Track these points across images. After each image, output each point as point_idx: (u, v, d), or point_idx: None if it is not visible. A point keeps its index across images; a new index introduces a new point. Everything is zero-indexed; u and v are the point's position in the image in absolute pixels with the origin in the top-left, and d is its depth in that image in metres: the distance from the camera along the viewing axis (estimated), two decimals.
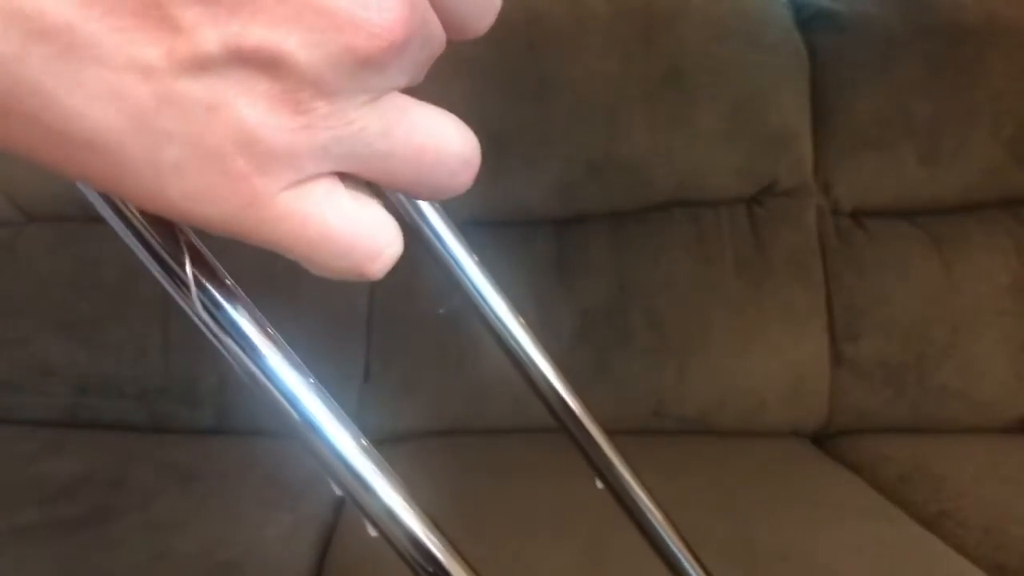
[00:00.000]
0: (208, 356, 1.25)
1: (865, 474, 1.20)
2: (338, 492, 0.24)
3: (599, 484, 0.42)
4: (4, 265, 1.27)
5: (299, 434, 0.23)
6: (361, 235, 0.19)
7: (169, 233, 0.21)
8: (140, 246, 0.21)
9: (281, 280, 1.23)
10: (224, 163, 0.17)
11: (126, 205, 0.21)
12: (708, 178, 1.34)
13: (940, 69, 1.34)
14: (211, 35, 0.16)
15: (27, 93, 0.15)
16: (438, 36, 0.19)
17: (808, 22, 1.39)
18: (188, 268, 0.21)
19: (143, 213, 0.21)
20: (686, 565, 0.43)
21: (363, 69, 0.17)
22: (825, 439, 1.33)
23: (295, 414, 0.22)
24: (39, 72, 0.15)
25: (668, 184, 1.33)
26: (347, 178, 0.19)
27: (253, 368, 0.22)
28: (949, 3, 1.37)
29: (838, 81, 1.36)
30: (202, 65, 0.16)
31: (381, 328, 1.28)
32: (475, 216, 1.27)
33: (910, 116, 1.34)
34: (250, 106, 0.17)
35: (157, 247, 0.21)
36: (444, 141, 0.20)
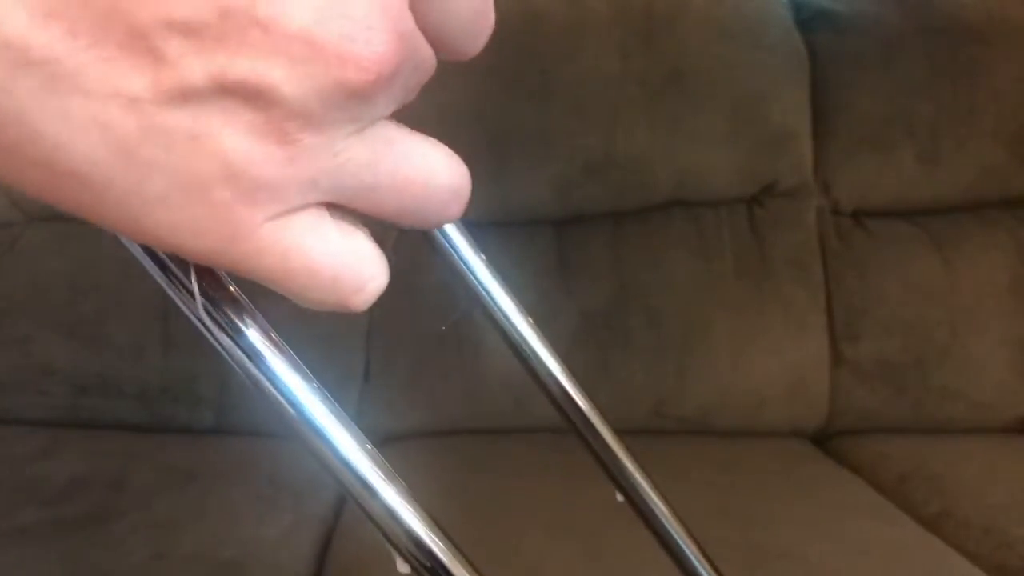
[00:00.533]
0: (208, 356, 1.25)
1: (865, 474, 1.20)
2: (353, 504, 0.24)
3: (619, 497, 0.42)
4: (4, 265, 1.27)
5: (304, 439, 0.23)
6: (345, 268, 0.19)
7: None
8: (142, 251, 0.21)
9: None
10: (208, 194, 0.17)
11: None
12: (708, 178, 1.34)
13: (940, 69, 1.34)
14: (196, 66, 0.16)
15: (11, 123, 0.15)
16: (428, 60, 0.19)
17: (808, 22, 1.39)
18: (192, 273, 0.21)
19: None
20: (699, 568, 0.43)
21: (351, 101, 0.17)
22: (825, 439, 1.33)
23: (299, 419, 0.22)
24: (24, 103, 0.15)
25: (668, 184, 1.33)
26: (333, 208, 0.19)
27: (257, 373, 0.22)
28: (949, 3, 1.37)
29: (838, 81, 1.36)
30: (187, 96, 0.16)
31: (381, 328, 1.28)
32: (475, 216, 1.26)
33: (910, 116, 1.34)
34: (235, 137, 0.17)
35: (161, 253, 0.21)
36: (433, 173, 0.20)
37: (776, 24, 1.37)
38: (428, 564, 0.24)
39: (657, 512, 0.41)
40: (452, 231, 0.34)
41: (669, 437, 1.27)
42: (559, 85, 1.28)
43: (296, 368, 0.22)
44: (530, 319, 0.37)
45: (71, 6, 0.15)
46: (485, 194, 1.29)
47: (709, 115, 1.32)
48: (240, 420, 1.25)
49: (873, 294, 1.33)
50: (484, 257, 0.34)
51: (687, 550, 0.42)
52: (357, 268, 0.19)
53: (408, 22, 0.18)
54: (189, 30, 0.15)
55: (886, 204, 1.38)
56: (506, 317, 0.36)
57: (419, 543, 0.24)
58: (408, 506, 0.24)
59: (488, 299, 0.35)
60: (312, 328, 1.21)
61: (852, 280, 1.34)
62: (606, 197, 1.32)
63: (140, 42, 0.15)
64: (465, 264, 0.34)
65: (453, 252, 0.34)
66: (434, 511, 0.25)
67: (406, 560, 0.24)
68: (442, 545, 0.24)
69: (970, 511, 1.08)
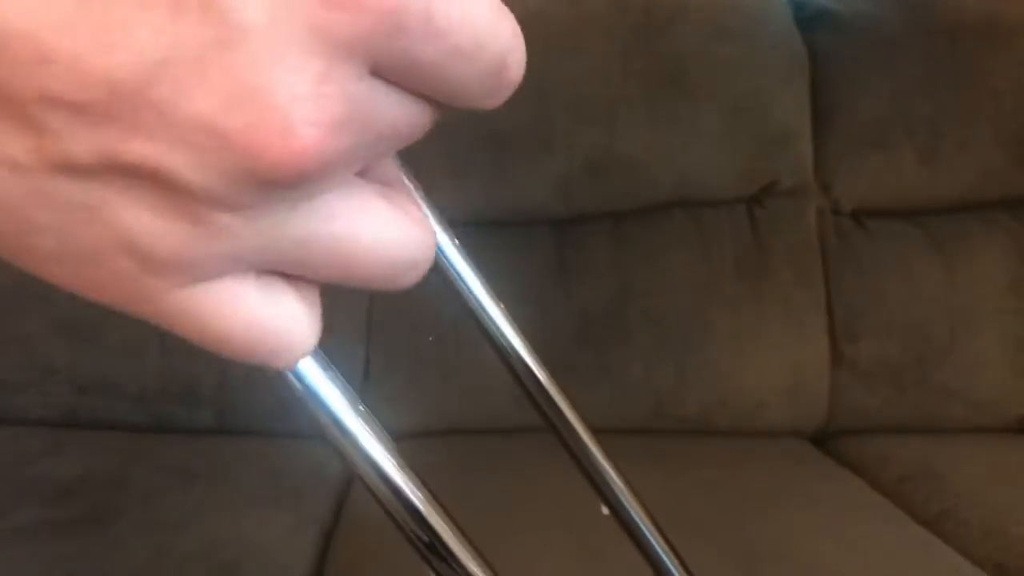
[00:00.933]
0: (208, 356, 1.25)
1: (865, 474, 1.20)
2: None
3: (604, 510, 0.42)
4: (4, 265, 1.27)
5: (326, 433, 0.22)
6: (268, 334, 0.18)
7: None
8: None
9: None
10: (107, 263, 0.16)
11: None
12: (708, 178, 1.34)
13: (940, 69, 1.34)
14: (81, 142, 0.15)
15: None
16: (400, 127, 0.17)
17: (808, 22, 1.39)
18: None
19: None
20: (671, 567, 0.43)
21: (271, 190, 0.15)
22: (825, 439, 1.33)
23: (322, 412, 0.22)
24: None
25: (668, 184, 1.33)
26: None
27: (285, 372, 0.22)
28: (949, 3, 1.37)
29: (838, 81, 1.36)
30: (72, 169, 0.15)
31: (381, 328, 1.28)
32: (475, 216, 1.27)
33: (910, 116, 1.34)
34: (135, 212, 0.15)
35: None
36: (382, 248, 0.18)
37: (776, 24, 1.37)
38: (428, 539, 0.24)
39: (633, 514, 0.41)
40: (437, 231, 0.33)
41: (669, 437, 1.27)
42: (559, 85, 1.28)
43: (319, 360, 0.22)
44: (513, 321, 0.37)
45: None
46: (485, 194, 1.29)
47: (709, 115, 1.31)
48: (240, 420, 1.25)
49: (873, 294, 1.33)
50: (458, 243, 0.34)
51: (657, 546, 0.42)
52: (281, 333, 0.18)
53: (355, 103, 0.16)
54: (72, 106, 0.14)
55: (886, 204, 1.38)
56: (489, 317, 0.36)
57: (424, 523, 0.24)
58: (421, 496, 0.24)
59: (474, 302, 0.35)
60: None
61: (852, 280, 1.34)
62: (606, 197, 1.32)
63: (18, 110, 0.14)
64: (450, 265, 0.34)
65: (438, 254, 0.33)
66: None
67: (412, 541, 0.24)
68: (445, 525, 0.24)
69: (970, 511, 1.08)
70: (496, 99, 0.18)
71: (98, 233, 0.16)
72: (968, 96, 1.34)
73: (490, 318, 0.36)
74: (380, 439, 0.23)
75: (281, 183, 0.15)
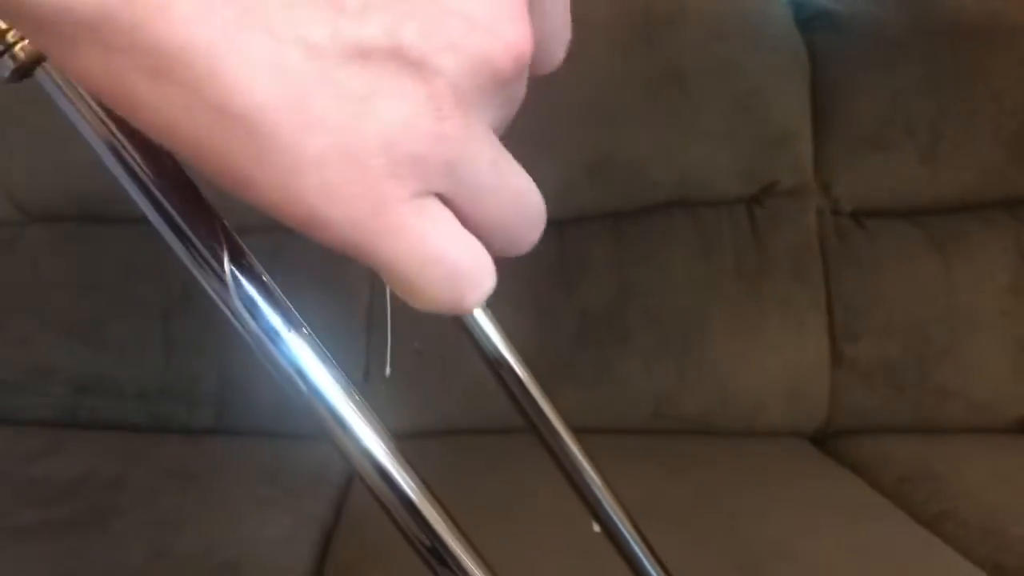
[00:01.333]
0: (208, 356, 1.25)
1: (865, 474, 1.20)
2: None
3: (596, 528, 0.42)
4: (4, 265, 1.27)
5: (330, 434, 0.22)
6: (468, 262, 0.19)
7: (208, 226, 0.20)
8: (176, 239, 0.20)
9: (280, 278, 1.23)
10: (364, 159, 0.17)
11: (164, 194, 0.20)
12: (708, 178, 1.34)
13: (940, 69, 1.34)
14: (375, 22, 0.16)
15: (200, 57, 0.15)
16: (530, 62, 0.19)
17: (808, 22, 1.39)
18: (226, 263, 0.20)
19: (182, 205, 0.20)
20: (647, 565, 0.43)
21: (493, 82, 0.17)
22: (825, 439, 1.33)
23: (327, 413, 0.22)
24: (214, 35, 0.15)
25: (668, 184, 1.33)
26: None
27: (286, 366, 0.22)
28: (950, 3, 1.37)
29: (838, 81, 1.36)
30: (363, 52, 0.16)
31: (381, 328, 1.28)
32: None
33: (910, 116, 1.34)
34: (399, 104, 0.16)
35: (195, 240, 0.20)
36: (532, 193, 0.21)
37: (776, 24, 1.37)
38: (429, 542, 0.24)
39: (609, 509, 0.41)
40: None
41: (669, 437, 1.27)
42: (559, 85, 1.28)
43: (324, 360, 0.22)
44: (492, 316, 0.37)
45: None
46: None
47: (709, 115, 1.31)
48: (240, 420, 1.25)
49: (873, 294, 1.33)
50: None
51: (633, 544, 0.42)
52: (477, 264, 0.19)
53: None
54: None
55: (886, 204, 1.37)
56: (470, 316, 0.37)
57: (425, 525, 0.24)
58: (419, 492, 0.24)
59: None
60: (312, 327, 1.21)
61: (852, 280, 1.34)
62: (606, 197, 1.32)
63: None
64: None
65: None
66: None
67: (412, 543, 0.24)
68: (446, 527, 0.24)
69: (970, 511, 1.08)
70: (563, 52, 0.22)
71: (367, 126, 0.16)
72: (968, 96, 1.34)
73: (472, 318, 0.37)
74: (383, 438, 0.23)
75: (502, 74, 0.17)
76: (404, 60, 0.16)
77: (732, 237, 1.33)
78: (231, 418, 1.25)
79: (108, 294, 1.25)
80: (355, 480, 1.17)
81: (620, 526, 0.42)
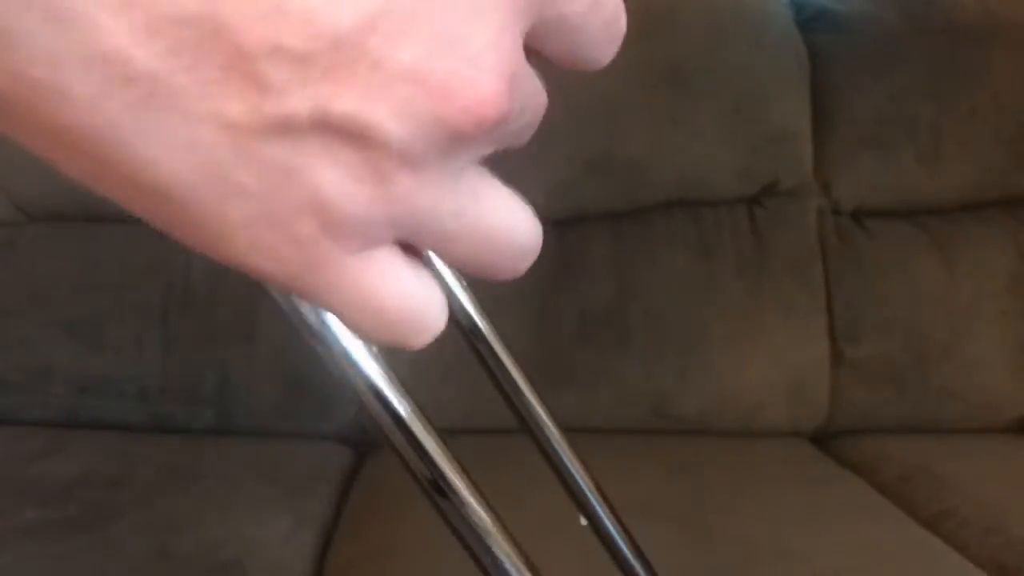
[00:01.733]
0: (208, 356, 1.25)
1: (865, 474, 1.20)
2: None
3: (583, 521, 0.43)
4: (4, 265, 1.27)
5: (337, 362, 0.24)
6: (412, 310, 0.19)
7: None
8: None
9: None
10: (294, 225, 0.16)
11: None
12: (708, 178, 1.34)
13: (940, 69, 1.34)
14: (301, 97, 0.15)
15: (101, 139, 0.15)
16: (538, 102, 0.18)
17: (808, 22, 1.39)
18: None
19: None
20: (636, 566, 0.43)
21: (451, 143, 0.17)
22: (825, 439, 1.33)
23: (334, 343, 0.24)
24: (116, 117, 0.15)
25: (668, 184, 1.33)
26: (407, 248, 0.19)
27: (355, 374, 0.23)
28: (949, 3, 1.37)
29: (838, 81, 1.36)
30: (287, 128, 0.15)
31: None
32: None
33: (910, 116, 1.34)
34: (330, 172, 0.16)
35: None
36: (512, 231, 0.20)
37: (776, 24, 1.37)
38: (431, 475, 0.26)
39: (598, 508, 0.42)
40: None
41: (669, 437, 1.27)
42: (559, 85, 1.28)
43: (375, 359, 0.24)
44: (485, 315, 0.38)
45: (176, 24, 0.14)
46: None
47: (709, 115, 1.31)
48: (240, 420, 1.25)
49: (873, 294, 1.33)
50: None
51: (623, 546, 0.43)
52: (423, 311, 0.19)
53: (520, 63, 0.17)
54: (298, 59, 0.15)
55: (886, 204, 1.37)
56: (465, 312, 0.37)
57: (429, 459, 0.26)
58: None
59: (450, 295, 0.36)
60: None
61: (852, 280, 1.34)
62: (606, 197, 1.32)
63: (245, 66, 0.15)
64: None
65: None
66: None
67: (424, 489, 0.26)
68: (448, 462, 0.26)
69: (970, 511, 1.08)
70: (610, 52, 0.20)
71: (294, 194, 0.16)
72: (968, 96, 1.34)
73: (468, 315, 0.37)
74: (384, 369, 0.25)
75: (461, 134, 0.16)
76: (336, 131, 0.16)
77: (732, 237, 1.33)
78: (231, 418, 1.25)
79: (108, 294, 1.25)
80: (355, 480, 1.17)
81: (605, 520, 0.42)
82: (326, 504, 1.08)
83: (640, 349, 1.29)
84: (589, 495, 0.42)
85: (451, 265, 0.20)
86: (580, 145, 1.30)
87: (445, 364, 1.27)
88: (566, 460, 0.41)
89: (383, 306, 0.18)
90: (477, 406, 1.27)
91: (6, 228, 1.29)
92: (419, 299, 0.19)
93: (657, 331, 1.29)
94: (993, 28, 1.35)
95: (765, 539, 0.98)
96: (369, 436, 1.23)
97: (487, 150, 0.18)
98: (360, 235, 0.17)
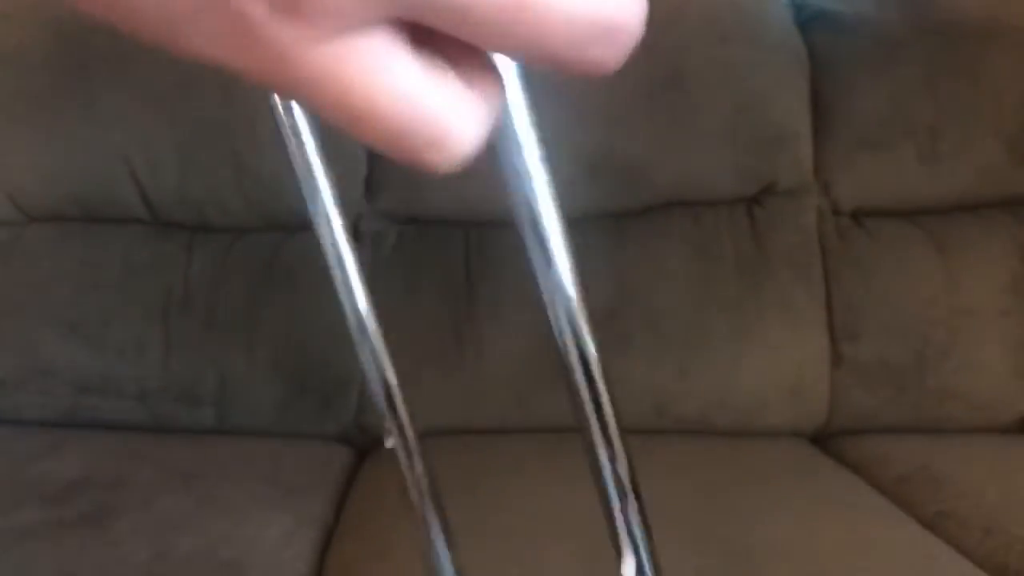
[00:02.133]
0: (208, 356, 1.25)
1: (865, 474, 1.19)
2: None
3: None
4: (4, 265, 1.27)
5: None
6: (420, 113, 0.15)
7: None
8: None
9: (280, 275, 1.23)
10: (243, 6, 0.14)
11: None
12: (708, 178, 1.34)
13: (940, 69, 1.34)
14: None
15: None
16: None
17: (808, 22, 1.39)
18: None
19: None
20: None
21: None
22: (825, 439, 1.33)
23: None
24: None
25: (668, 184, 1.33)
26: (417, 32, 0.15)
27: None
28: (949, 3, 1.37)
29: (838, 81, 1.36)
30: None
31: (381, 327, 1.27)
32: (475, 216, 1.26)
33: (910, 116, 1.34)
34: None
35: None
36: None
37: (776, 24, 1.37)
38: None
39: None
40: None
41: (669, 437, 1.27)
42: (559, 85, 1.28)
43: None
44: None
45: None
46: (484, 194, 1.29)
47: (709, 115, 1.31)
48: (240, 420, 1.25)
49: (873, 294, 1.33)
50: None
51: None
52: (435, 117, 0.15)
53: None
54: None
55: (886, 204, 1.37)
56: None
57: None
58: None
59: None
60: (312, 326, 1.21)
61: (852, 280, 1.34)
62: (606, 197, 1.32)
63: None
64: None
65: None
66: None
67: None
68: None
69: (970, 511, 1.08)
70: (591, 56, 0.16)
71: None
72: (968, 96, 1.34)
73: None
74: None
75: None
76: None
77: (732, 237, 1.33)
78: (231, 418, 1.25)
79: (108, 294, 1.25)
80: (355, 480, 1.17)
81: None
82: (326, 504, 1.08)
83: (640, 349, 1.29)
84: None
85: (490, 50, 0.15)
86: (581, 145, 1.30)
87: (446, 364, 1.27)
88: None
89: (372, 104, 0.15)
90: (477, 406, 1.27)
91: (7, 228, 1.29)
92: (427, 100, 0.15)
93: (657, 331, 1.29)
94: (993, 28, 1.35)
95: (765, 539, 0.98)
96: (369, 436, 1.23)
97: None
98: (325, 15, 0.14)
